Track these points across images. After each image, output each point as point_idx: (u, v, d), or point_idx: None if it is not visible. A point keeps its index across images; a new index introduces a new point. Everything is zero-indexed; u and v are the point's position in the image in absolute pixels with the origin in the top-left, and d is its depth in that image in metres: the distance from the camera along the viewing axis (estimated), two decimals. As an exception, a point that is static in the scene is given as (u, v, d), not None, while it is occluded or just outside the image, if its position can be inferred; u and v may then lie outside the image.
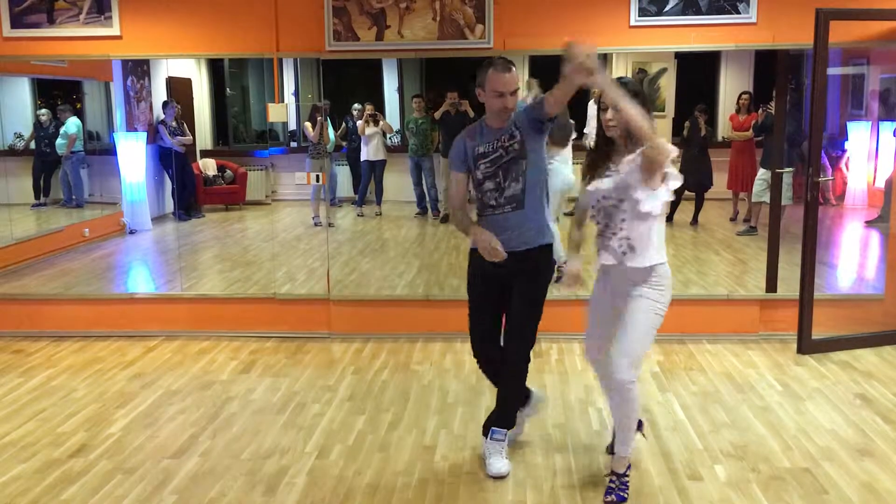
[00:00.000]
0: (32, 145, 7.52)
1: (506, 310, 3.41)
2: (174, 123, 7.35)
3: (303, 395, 4.36)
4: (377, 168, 8.58)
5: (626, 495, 3.15)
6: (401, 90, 9.28)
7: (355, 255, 7.20)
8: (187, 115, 7.79)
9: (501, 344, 3.45)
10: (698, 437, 3.75)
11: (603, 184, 3.03)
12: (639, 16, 5.04)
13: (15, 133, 7.46)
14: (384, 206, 8.64)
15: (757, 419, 3.95)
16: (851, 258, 7.47)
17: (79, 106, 7.52)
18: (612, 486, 3.18)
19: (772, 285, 5.32)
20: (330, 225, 7.70)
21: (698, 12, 5.01)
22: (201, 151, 8.33)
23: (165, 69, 7.26)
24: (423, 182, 8.26)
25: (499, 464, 3.40)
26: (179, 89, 7.76)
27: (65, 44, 5.34)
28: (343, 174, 9.00)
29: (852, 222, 8.11)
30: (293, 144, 8.89)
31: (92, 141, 7.59)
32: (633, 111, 2.79)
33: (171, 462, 3.56)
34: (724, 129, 8.61)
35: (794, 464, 3.47)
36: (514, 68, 3.20)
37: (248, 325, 5.47)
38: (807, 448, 3.62)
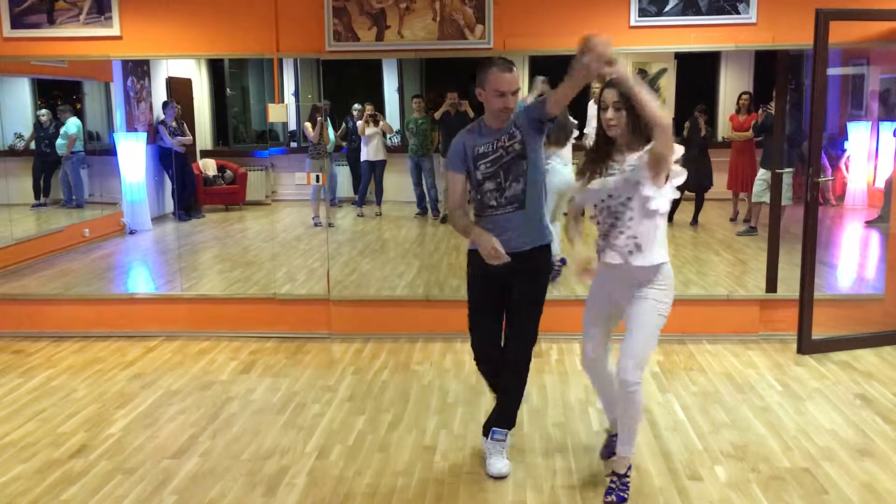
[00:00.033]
0: (32, 146, 7.52)
1: (506, 310, 3.41)
2: (174, 124, 7.35)
3: (303, 396, 4.36)
4: (377, 168, 8.57)
5: (626, 496, 3.15)
6: (401, 90, 9.28)
7: (355, 256, 7.20)
8: (187, 116, 7.79)
9: (502, 344, 3.45)
10: (698, 438, 3.75)
11: (608, 182, 3.00)
12: (639, 16, 5.04)
13: (15, 133, 7.46)
14: (384, 206, 8.64)
15: (757, 419, 3.95)
16: (851, 258, 7.47)
17: (79, 106, 7.52)
18: (613, 486, 3.18)
19: (772, 285, 5.32)
20: (330, 225, 7.69)
21: (698, 13, 5.02)
22: (201, 152, 8.32)
23: (165, 69, 7.26)
24: (423, 182, 8.26)
25: (499, 464, 3.40)
26: (179, 89, 7.76)
27: (65, 44, 5.34)
28: (343, 174, 9.00)
29: (852, 222, 8.11)
30: (293, 145, 8.88)
31: (92, 141, 7.59)
32: (651, 101, 2.80)
33: (171, 462, 3.56)
34: (724, 129, 8.61)
35: (794, 464, 3.47)
36: (514, 68, 3.19)
37: (248, 325, 5.47)
38: (807, 448, 3.62)
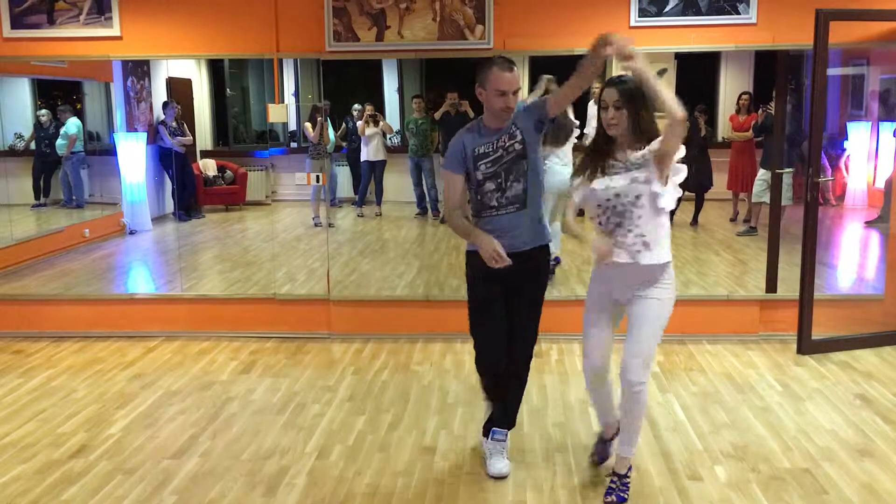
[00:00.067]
0: (32, 146, 7.52)
1: (506, 310, 3.39)
2: (174, 124, 7.35)
3: (303, 396, 4.36)
4: (377, 168, 8.57)
5: (626, 496, 3.15)
6: (401, 91, 9.28)
7: (355, 256, 7.20)
8: (187, 116, 7.79)
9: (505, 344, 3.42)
10: (698, 438, 3.75)
11: (613, 181, 2.97)
12: (639, 16, 5.04)
13: (15, 133, 7.46)
14: (384, 206, 8.64)
15: (757, 420, 3.95)
16: (851, 258, 7.47)
17: (79, 106, 7.52)
18: (613, 486, 3.18)
19: (772, 286, 5.32)
20: (330, 225, 7.69)
21: (698, 13, 5.02)
22: (201, 152, 8.32)
23: (165, 70, 7.26)
24: (424, 182, 8.26)
25: (500, 464, 3.40)
26: (179, 90, 7.76)
27: (65, 44, 5.34)
28: (343, 175, 9.00)
29: (852, 223, 8.11)
30: (293, 145, 8.88)
31: (92, 141, 7.59)
32: (669, 94, 2.80)
33: (171, 462, 3.56)
34: (724, 129, 8.61)
35: (794, 464, 3.47)
36: (515, 67, 3.16)
37: (248, 325, 5.47)
38: (807, 448, 3.62)
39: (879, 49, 6.58)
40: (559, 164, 5.81)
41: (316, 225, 8.05)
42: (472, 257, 3.28)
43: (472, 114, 7.06)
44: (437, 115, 7.48)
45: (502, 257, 3.09)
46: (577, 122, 6.01)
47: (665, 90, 2.81)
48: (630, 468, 3.21)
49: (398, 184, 8.58)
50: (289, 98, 8.06)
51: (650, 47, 5.21)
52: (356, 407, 4.20)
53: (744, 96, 8.16)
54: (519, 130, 3.21)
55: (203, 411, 4.16)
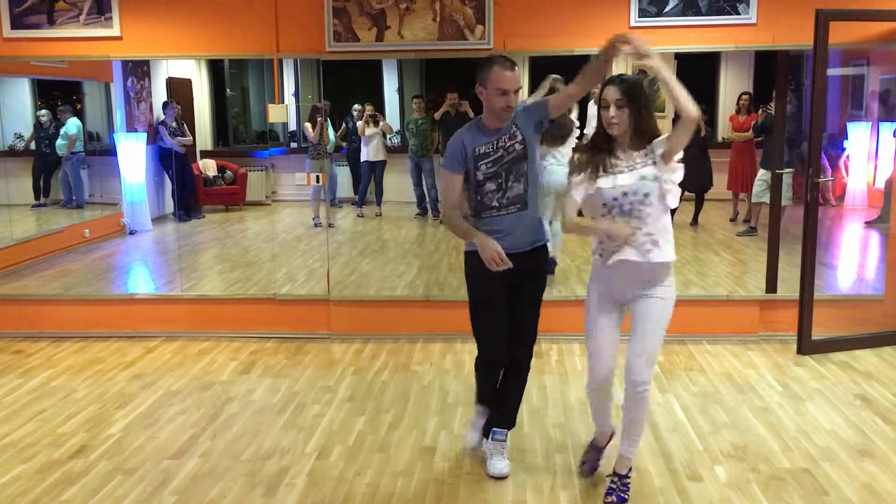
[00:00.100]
0: (32, 146, 7.52)
1: (507, 309, 3.37)
2: (174, 124, 7.35)
3: (303, 396, 4.36)
4: (377, 169, 8.57)
5: (626, 496, 3.14)
6: (401, 91, 9.28)
7: (355, 256, 7.20)
8: (187, 116, 7.79)
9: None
10: (698, 438, 3.75)
11: (619, 179, 2.94)
12: (639, 16, 5.04)
13: (15, 134, 7.46)
14: (384, 206, 8.64)
15: (757, 420, 3.95)
16: (851, 259, 7.47)
17: (79, 107, 7.52)
18: (614, 486, 3.17)
19: (772, 286, 5.32)
20: (330, 225, 7.69)
21: (698, 13, 5.02)
22: (201, 152, 8.33)
23: (165, 70, 7.26)
24: (424, 183, 8.26)
25: (500, 464, 3.40)
26: (179, 90, 7.76)
27: (65, 44, 5.34)
28: (343, 175, 9.00)
29: (852, 223, 8.11)
30: (293, 145, 8.89)
31: (92, 142, 7.59)
32: (684, 93, 2.82)
33: (172, 463, 3.56)
34: (724, 129, 8.61)
35: (794, 464, 3.47)
36: (516, 66, 3.14)
37: (249, 325, 5.47)
38: (807, 449, 3.62)
39: (879, 49, 6.58)
40: (556, 165, 5.80)
41: (316, 225, 8.05)
42: (472, 257, 3.25)
43: (472, 114, 7.06)
44: (437, 116, 7.48)
45: (504, 260, 3.08)
46: (577, 123, 6.01)
47: (681, 88, 2.83)
48: (630, 469, 3.21)
49: (398, 184, 8.58)
50: (289, 98, 8.07)
51: (650, 48, 5.22)
52: (356, 407, 4.20)
53: (744, 96, 8.17)
54: (519, 130, 3.19)
55: (203, 411, 4.16)
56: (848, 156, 8.11)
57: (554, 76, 5.46)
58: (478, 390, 3.56)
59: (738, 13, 4.99)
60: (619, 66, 8.04)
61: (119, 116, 6.97)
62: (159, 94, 7.29)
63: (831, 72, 5.15)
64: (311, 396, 4.36)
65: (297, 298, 5.59)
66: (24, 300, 5.67)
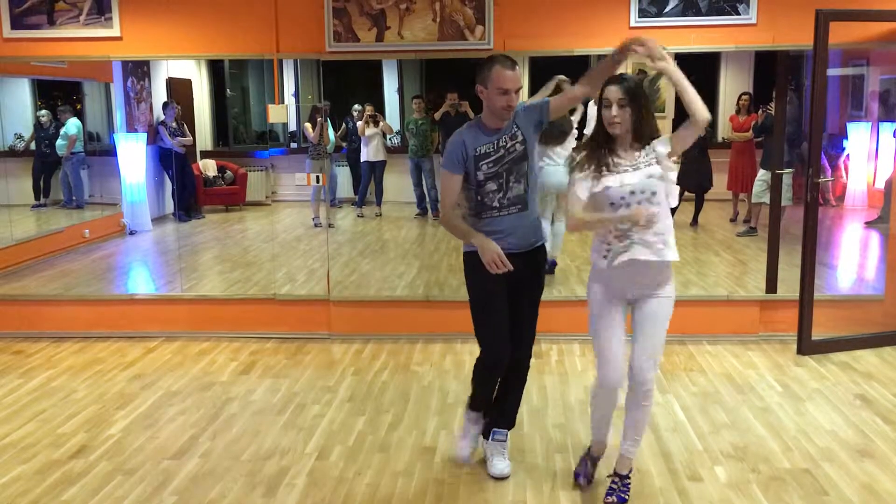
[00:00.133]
0: (32, 146, 7.52)
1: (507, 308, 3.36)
2: (174, 124, 7.35)
3: (303, 396, 4.36)
4: (377, 169, 8.58)
5: (627, 497, 3.14)
6: (401, 91, 9.29)
7: (355, 256, 7.20)
8: (187, 116, 7.79)
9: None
10: (698, 438, 3.75)
11: (625, 178, 2.92)
12: (639, 17, 5.04)
13: (15, 134, 7.46)
14: (384, 206, 8.64)
15: (757, 420, 3.95)
16: (851, 259, 7.47)
17: (79, 107, 7.52)
18: (615, 486, 3.17)
19: (772, 286, 5.32)
20: (330, 226, 7.69)
21: (698, 13, 5.02)
22: (201, 152, 8.33)
23: (165, 70, 7.26)
24: (423, 183, 8.26)
25: (501, 464, 3.39)
26: (179, 90, 7.77)
27: (65, 45, 5.34)
28: (343, 175, 9.00)
29: (852, 223, 8.11)
30: (293, 145, 8.90)
31: (92, 142, 7.59)
32: (697, 96, 2.87)
33: (172, 463, 3.56)
34: (723, 129, 8.62)
35: (794, 465, 3.47)
36: (517, 66, 3.12)
37: (248, 325, 5.47)
38: (807, 449, 3.62)
39: (879, 49, 6.59)
40: (551, 165, 5.80)
41: (316, 225, 8.05)
42: (471, 258, 3.22)
43: (471, 114, 7.06)
44: (437, 116, 7.49)
45: (504, 263, 3.07)
46: (576, 123, 6.01)
47: (694, 92, 2.86)
48: (631, 469, 3.21)
49: (398, 184, 8.58)
50: (289, 98, 8.07)
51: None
52: (356, 407, 4.20)
53: (744, 97, 8.17)
54: (520, 130, 3.18)
55: (203, 412, 4.16)
56: (848, 156, 8.11)
57: (560, 77, 5.44)
58: (473, 395, 3.45)
59: (738, 13, 4.99)
60: (619, 68, 8.06)
61: (119, 117, 6.98)
62: (159, 95, 7.29)
63: (831, 72, 5.16)
64: (311, 397, 4.36)
65: (297, 299, 5.59)
66: (24, 300, 5.67)
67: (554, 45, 5.08)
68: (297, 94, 8.43)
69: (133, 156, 7.04)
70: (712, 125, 8.56)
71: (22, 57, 5.48)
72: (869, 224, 7.79)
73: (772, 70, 5.48)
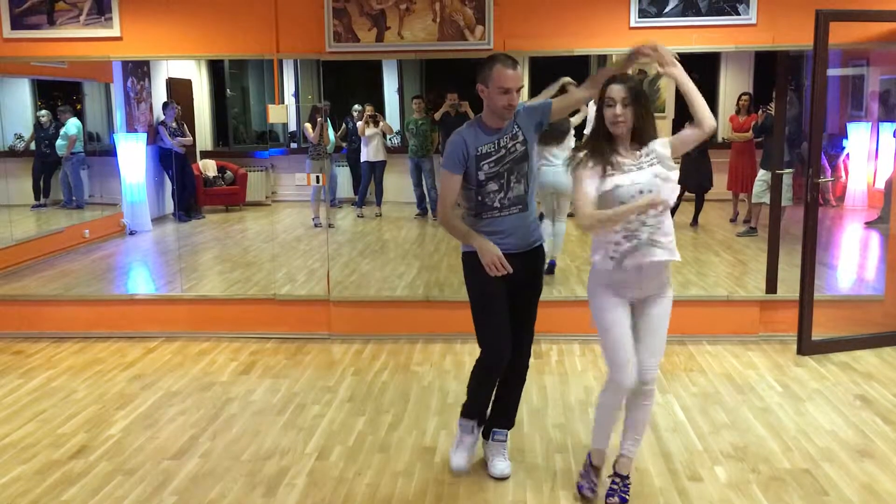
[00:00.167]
0: (32, 146, 7.53)
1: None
2: (174, 124, 7.36)
3: (303, 397, 4.36)
4: (377, 169, 8.58)
5: (627, 497, 3.14)
6: (401, 91, 9.29)
7: (355, 256, 7.20)
8: (187, 117, 7.79)
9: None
10: (698, 438, 3.75)
11: (633, 177, 2.90)
12: (639, 17, 5.04)
13: (15, 134, 7.47)
14: (384, 207, 8.65)
15: (757, 420, 3.95)
16: (851, 259, 7.47)
17: (79, 107, 7.52)
18: (615, 487, 3.17)
19: (772, 286, 5.32)
20: (330, 226, 7.70)
21: (698, 13, 5.02)
22: (201, 152, 8.34)
23: (165, 70, 7.26)
24: (424, 183, 8.26)
25: (501, 465, 3.39)
26: (179, 90, 7.77)
27: (65, 45, 5.34)
28: (343, 175, 9.01)
29: (852, 223, 8.11)
30: (293, 145, 8.90)
31: (92, 142, 7.59)
32: (703, 101, 2.90)
33: (172, 463, 3.56)
34: (723, 130, 8.62)
35: (794, 465, 3.47)
36: (518, 65, 3.11)
37: (248, 326, 5.47)
38: (807, 449, 3.62)
39: (879, 49, 6.58)
40: (548, 166, 5.81)
41: (316, 225, 8.05)
42: (471, 258, 3.21)
43: (472, 114, 7.05)
44: (437, 116, 7.49)
45: (504, 266, 3.07)
46: (573, 121, 6.02)
47: (701, 98, 2.89)
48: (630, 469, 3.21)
49: (398, 184, 8.59)
50: (289, 99, 8.08)
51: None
52: (356, 407, 4.20)
53: (744, 97, 8.17)
54: (521, 131, 3.18)
55: (203, 412, 4.16)
56: (848, 156, 8.11)
57: (566, 79, 5.41)
58: (469, 401, 3.40)
59: (738, 14, 4.99)
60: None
61: (119, 117, 6.98)
62: (159, 95, 7.30)
63: (831, 72, 5.16)
64: (311, 397, 4.36)
65: (297, 299, 5.59)
66: (24, 300, 5.67)
67: (554, 46, 5.08)
68: (297, 95, 8.44)
69: (133, 156, 7.04)
70: (712, 125, 8.57)
71: (22, 57, 5.48)
72: (869, 224, 7.79)
73: (772, 70, 5.48)
